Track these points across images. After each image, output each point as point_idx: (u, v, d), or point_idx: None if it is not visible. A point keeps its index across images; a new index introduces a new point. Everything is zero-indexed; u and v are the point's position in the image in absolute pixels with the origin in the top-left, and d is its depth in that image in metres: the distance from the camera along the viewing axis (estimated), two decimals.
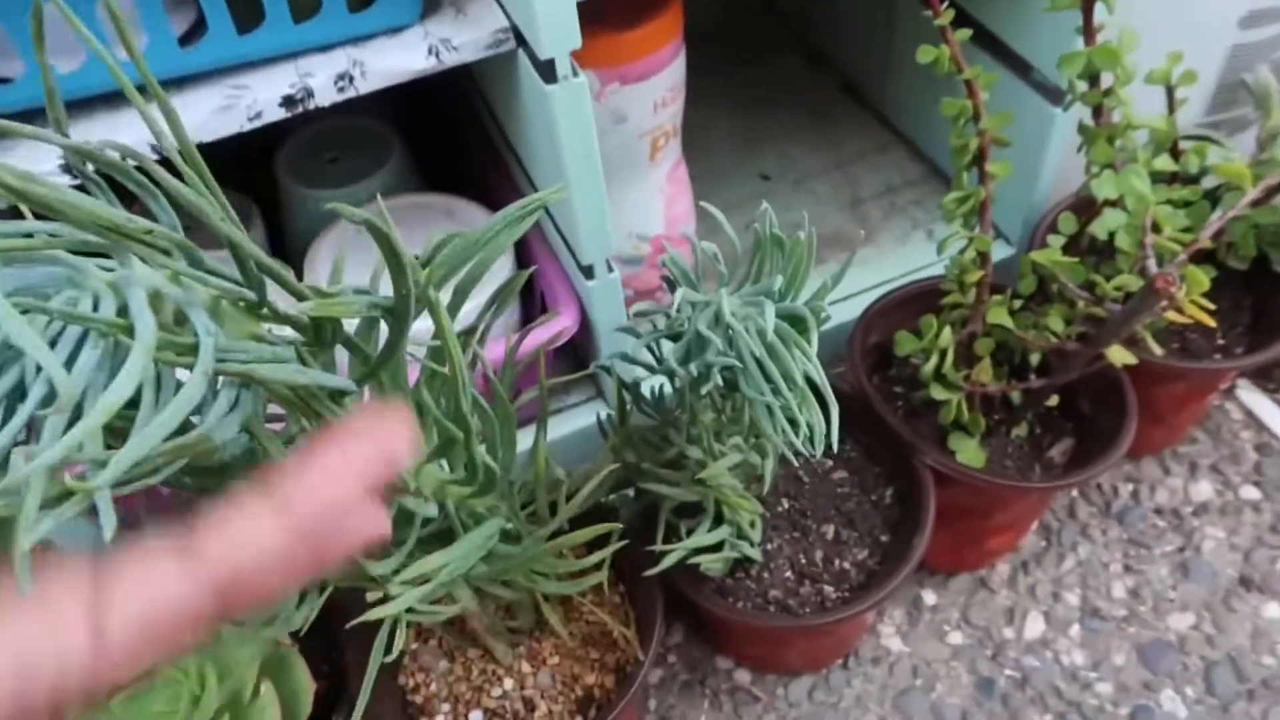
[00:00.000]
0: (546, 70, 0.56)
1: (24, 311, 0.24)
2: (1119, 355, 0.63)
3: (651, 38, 0.67)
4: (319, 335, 0.32)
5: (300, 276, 0.76)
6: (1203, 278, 0.52)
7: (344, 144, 0.86)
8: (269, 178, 0.86)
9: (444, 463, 0.48)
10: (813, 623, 0.62)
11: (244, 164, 0.79)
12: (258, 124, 0.58)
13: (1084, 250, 0.68)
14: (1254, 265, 0.74)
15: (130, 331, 0.23)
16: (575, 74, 0.57)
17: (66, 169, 0.52)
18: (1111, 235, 0.61)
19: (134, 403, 0.24)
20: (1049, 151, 0.80)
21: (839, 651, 0.76)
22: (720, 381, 0.40)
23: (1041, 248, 0.63)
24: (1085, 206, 0.71)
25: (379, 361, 0.34)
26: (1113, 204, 0.59)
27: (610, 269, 0.70)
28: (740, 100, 1.11)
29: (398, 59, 0.58)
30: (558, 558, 0.57)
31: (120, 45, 0.27)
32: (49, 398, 0.23)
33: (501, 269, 0.74)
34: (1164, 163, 0.63)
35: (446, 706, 0.64)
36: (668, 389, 0.53)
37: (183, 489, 0.36)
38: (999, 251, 0.88)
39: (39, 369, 0.23)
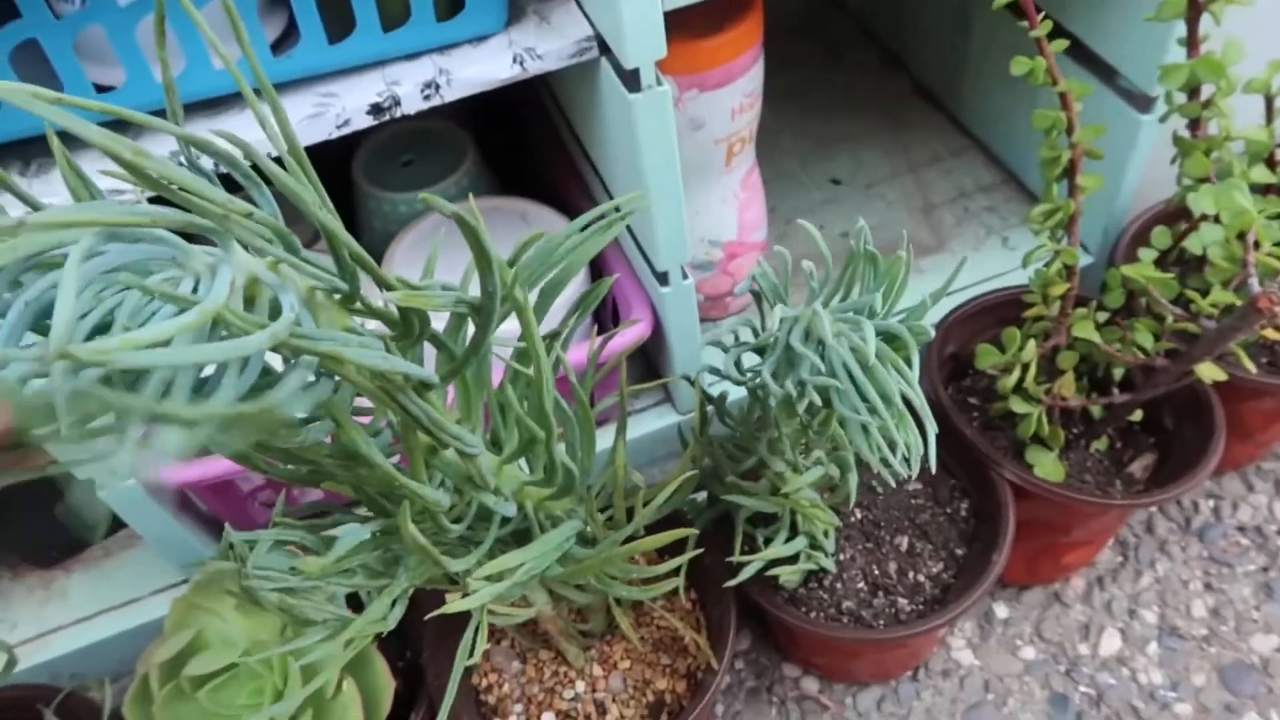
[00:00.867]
0: (630, 79, 0.57)
1: (125, 288, 0.24)
2: (1210, 372, 0.62)
3: (731, 44, 0.67)
4: (406, 329, 0.32)
5: None
6: None
7: (419, 147, 0.88)
8: (344, 180, 0.87)
9: (524, 464, 0.49)
10: (887, 636, 0.61)
11: (318, 165, 0.80)
12: (345, 131, 0.59)
13: (1171, 262, 0.66)
14: None
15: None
16: (659, 83, 0.57)
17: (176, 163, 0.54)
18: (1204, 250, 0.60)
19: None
20: (1133, 160, 0.78)
21: (909, 664, 0.75)
22: (817, 400, 0.40)
23: (1129, 261, 0.62)
24: (1173, 217, 0.69)
25: (465, 357, 0.35)
26: (1208, 218, 0.58)
27: (685, 275, 0.70)
28: (811, 102, 1.10)
29: (483, 67, 0.59)
30: (631, 563, 0.57)
31: (215, 54, 0.27)
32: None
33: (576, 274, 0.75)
34: (1261, 174, 0.61)
35: (519, 707, 0.65)
36: (748, 399, 0.53)
37: (291, 480, 0.36)
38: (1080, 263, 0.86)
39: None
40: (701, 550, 0.56)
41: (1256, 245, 0.51)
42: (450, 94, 0.59)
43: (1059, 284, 0.61)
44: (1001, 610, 0.78)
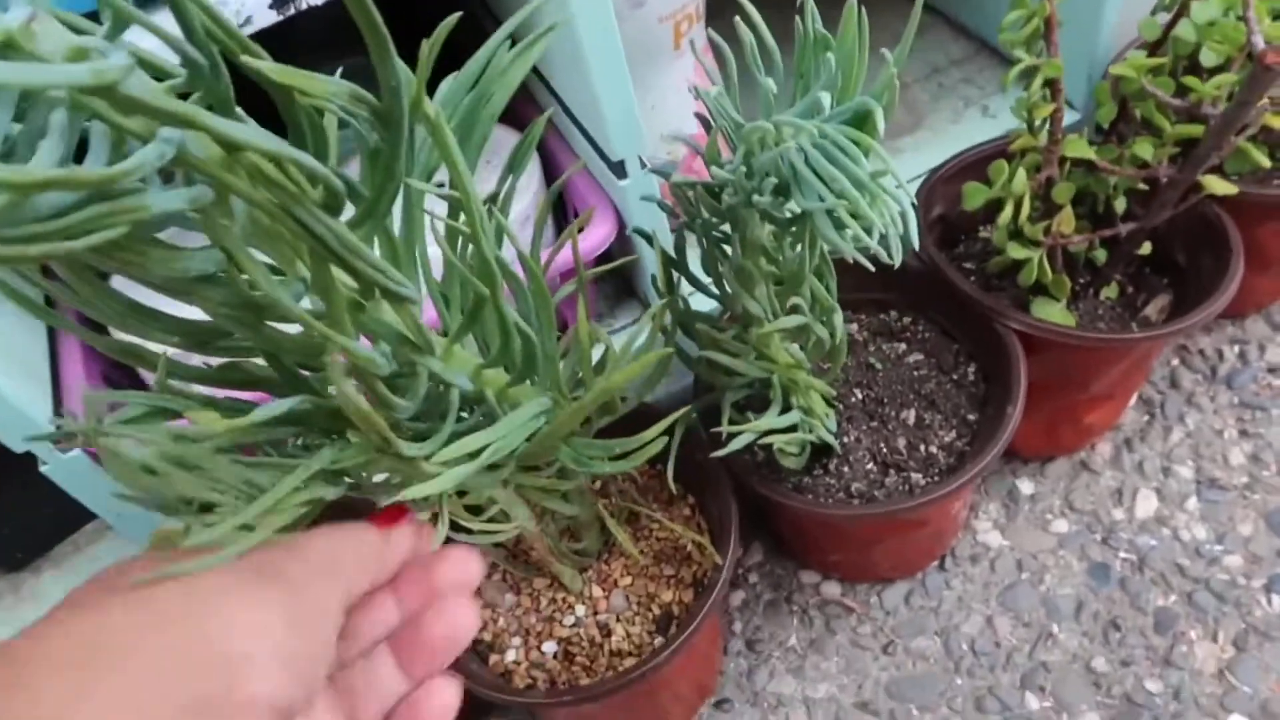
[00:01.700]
0: None
1: None
2: (1219, 185, 0.56)
3: None
4: (296, 133, 0.27)
5: None
6: None
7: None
8: None
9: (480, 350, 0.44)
10: (900, 507, 0.56)
11: None
12: (250, 29, 0.54)
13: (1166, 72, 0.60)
14: None
15: None
16: None
17: None
18: (1196, 48, 0.54)
19: None
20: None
21: (933, 551, 0.70)
22: (772, 197, 0.35)
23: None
24: (1155, 47, 0.64)
25: (378, 191, 0.29)
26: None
27: (643, 164, 0.65)
28: None
29: None
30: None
31: None
32: None
33: (529, 186, 0.70)
34: None
35: (517, 641, 0.60)
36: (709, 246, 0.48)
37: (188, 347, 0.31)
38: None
39: None
40: (689, 410, 0.50)
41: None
42: None
43: (1043, 106, 0.56)
44: (1026, 486, 0.73)
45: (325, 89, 0.24)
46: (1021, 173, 0.56)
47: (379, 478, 0.38)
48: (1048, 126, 0.57)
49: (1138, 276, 0.68)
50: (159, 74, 0.23)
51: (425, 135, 0.35)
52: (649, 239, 0.49)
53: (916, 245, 0.32)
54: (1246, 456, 0.71)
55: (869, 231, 0.32)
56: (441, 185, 0.36)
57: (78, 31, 0.21)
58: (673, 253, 0.50)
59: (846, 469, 0.62)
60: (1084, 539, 0.69)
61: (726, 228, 0.45)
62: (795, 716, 0.65)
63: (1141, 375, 0.73)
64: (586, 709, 0.59)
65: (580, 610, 0.60)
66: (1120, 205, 0.62)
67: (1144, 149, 0.55)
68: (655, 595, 0.60)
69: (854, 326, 0.69)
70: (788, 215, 0.36)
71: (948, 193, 0.70)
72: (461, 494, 0.52)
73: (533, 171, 0.71)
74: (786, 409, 0.54)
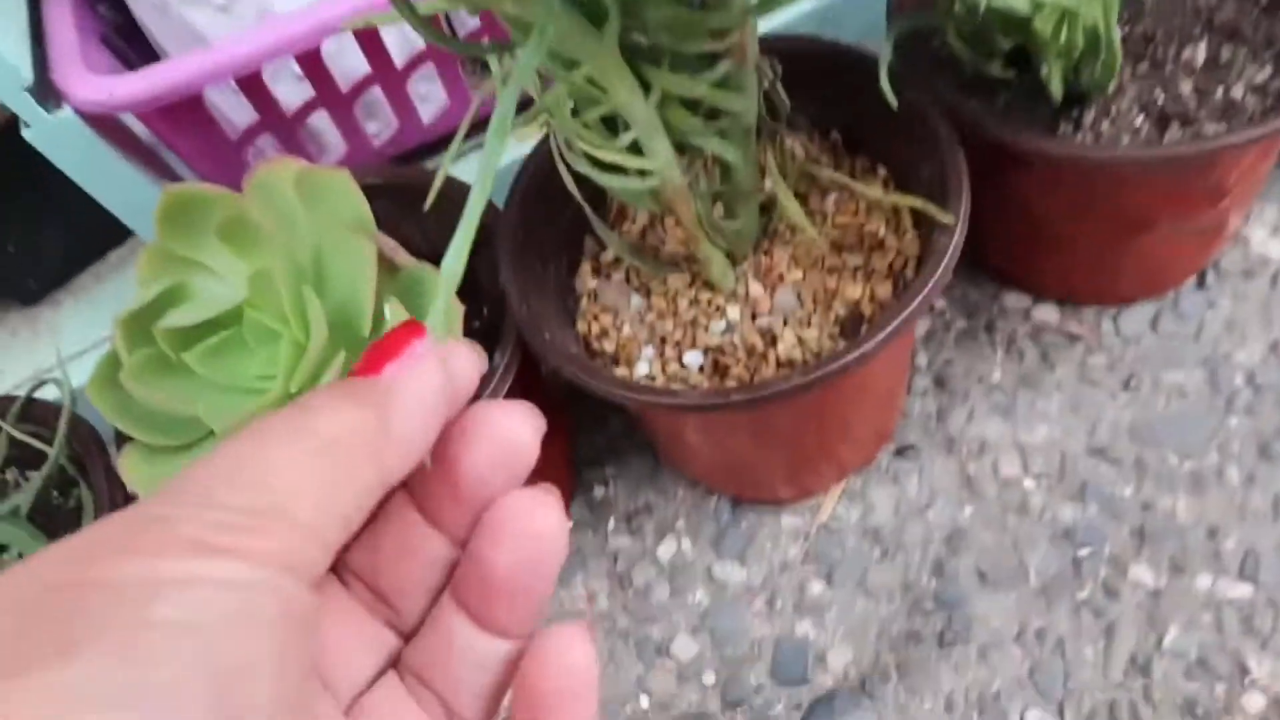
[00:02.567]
0: None
1: None
2: None
3: None
4: None
5: None
6: None
7: None
8: None
9: None
10: (1228, 143, 0.38)
11: None
12: None
13: None
14: None
15: None
16: None
17: None
18: None
19: None
20: None
21: (1191, 263, 0.52)
22: None
23: None
24: None
25: None
26: None
27: None
28: None
29: None
30: None
31: None
32: None
33: None
34: None
35: (650, 350, 0.45)
36: None
37: None
38: None
39: None
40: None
41: None
42: None
43: None
44: None
45: None
46: None
47: None
48: None
49: None
50: None
51: None
52: None
53: None
54: None
55: None
56: None
57: None
58: None
59: (1107, 123, 0.44)
60: None
61: None
62: (1006, 463, 0.50)
63: None
64: (735, 433, 0.44)
65: (733, 313, 0.44)
66: None
67: None
68: (838, 291, 0.44)
69: None
70: None
71: None
72: (576, 111, 0.36)
73: None
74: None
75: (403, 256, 0.43)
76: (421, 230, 0.50)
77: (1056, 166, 0.42)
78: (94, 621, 0.12)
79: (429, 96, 0.57)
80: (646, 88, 0.34)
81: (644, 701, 0.47)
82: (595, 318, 0.47)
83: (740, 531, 0.51)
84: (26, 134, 0.47)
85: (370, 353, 0.17)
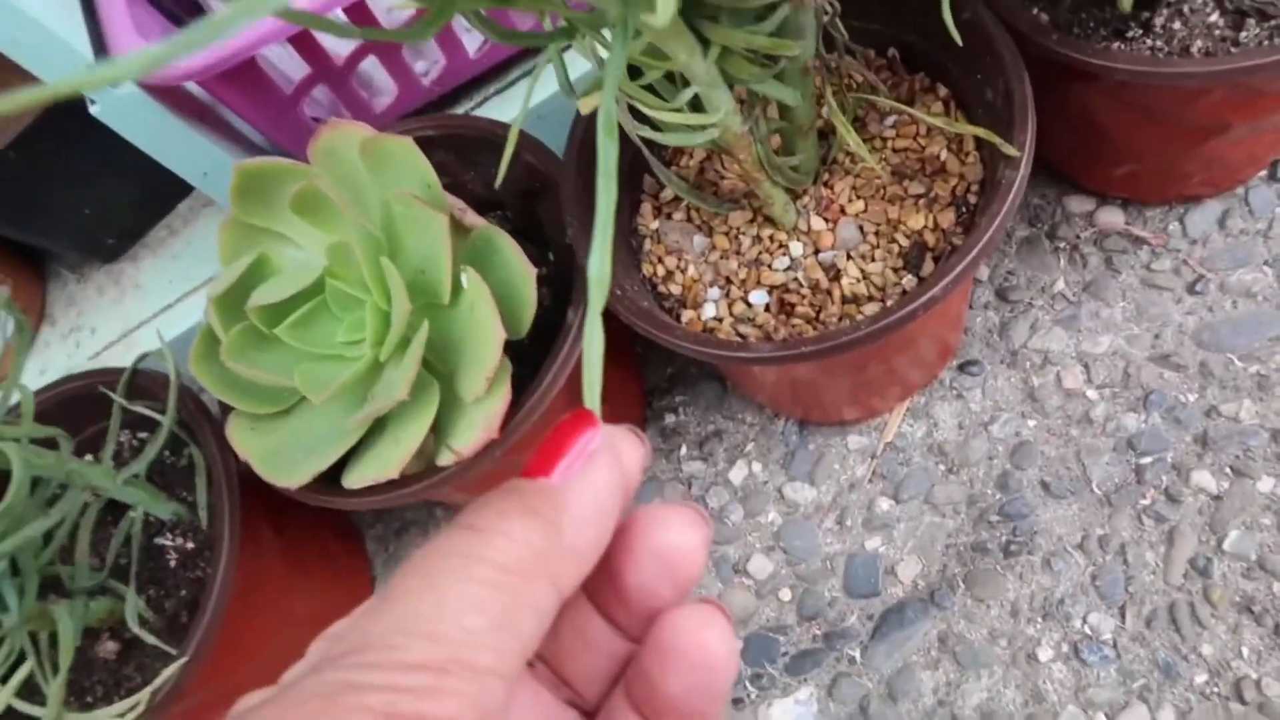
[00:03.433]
0: None
1: None
2: None
3: None
4: None
5: None
6: None
7: None
8: None
9: None
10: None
11: None
12: None
13: None
14: None
15: None
16: None
17: None
18: None
19: None
20: None
21: (1263, 158, 0.51)
22: None
23: None
24: None
25: None
26: None
27: None
28: None
29: None
30: None
31: None
32: None
33: None
34: None
35: (715, 292, 0.46)
36: None
37: None
38: None
39: None
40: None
41: None
42: None
43: None
44: None
45: None
46: None
47: None
48: None
49: None
50: None
51: None
52: None
53: None
54: None
55: None
56: None
57: None
58: None
59: (1179, 24, 0.43)
60: None
61: None
62: (1070, 375, 0.50)
63: None
64: (801, 365, 0.46)
65: (796, 249, 0.45)
66: None
67: None
68: (900, 221, 0.44)
69: None
70: None
71: None
72: (636, 74, 0.36)
73: None
74: None
75: (471, 217, 0.44)
76: (478, 174, 0.51)
77: (1122, 81, 0.41)
78: None
79: (475, 29, 0.57)
80: (705, 44, 0.34)
81: None
82: (660, 260, 0.48)
83: (808, 453, 0.53)
84: (94, 111, 0.48)
85: (543, 448, 0.17)
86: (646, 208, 0.49)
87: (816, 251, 0.45)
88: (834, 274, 0.44)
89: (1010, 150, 0.38)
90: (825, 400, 0.51)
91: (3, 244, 0.64)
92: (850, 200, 0.45)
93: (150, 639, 0.42)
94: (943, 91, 0.46)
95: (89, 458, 0.51)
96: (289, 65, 0.54)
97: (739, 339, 0.44)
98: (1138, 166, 0.50)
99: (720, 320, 0.45)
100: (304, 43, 0.50)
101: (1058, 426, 0.50)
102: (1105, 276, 0.52)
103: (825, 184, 0.46)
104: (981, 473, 0.50)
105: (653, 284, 0.47)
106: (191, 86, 0.53)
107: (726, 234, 0.47)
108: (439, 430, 0.43)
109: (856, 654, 0.48)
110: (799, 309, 0.44)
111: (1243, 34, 0.42)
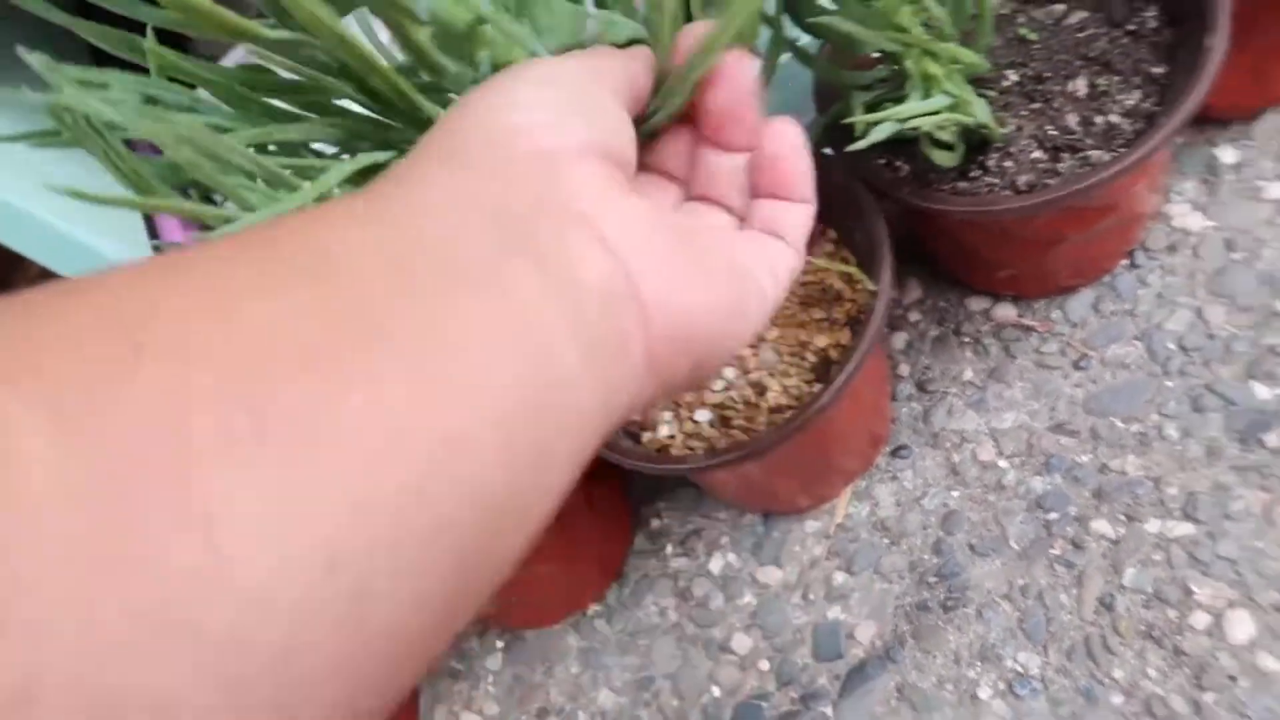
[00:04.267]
0: None
1: None
2: None
3: None
4: None
5: None
6: None
7: None
8: None
9: None
10: (1088, 183, 0.47)
11: None
12: None
13: None
14: None
15: None
16: None
17: None
18: None
19: None
20: None
21: (1120, 248, 0.61)
22: None
23: None
24: None
25: None
26: None
27: None
28: None
29: None
30: None
31: None
32: None
33: None
34: None
35: (668, 415, 0.56)
36: None
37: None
38: None
39: None
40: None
41: None
42: None
43: None
44: (1228, 155, 0.61)
45: None
46: None
47: None
48: None
49: None
50: None
51: None
52: None
53: None
54: None
55: None
56: None
57: None
58: None
59: (1009, 162, 0.53)
60: None
61: None
62: (983, 451, 0.59)
63: None
64: (750, 469, 0.55)
65: (730, 373, 0.55)
66: None
67: None
68: (808, 342, 0.54)
69: None
70: None
71: None
72: None
73: None
74: (928, 97, 0.45)
75: None
76: None
77: (961, 217, 0.51)
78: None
79: None
80: None
81: (715, 691, 0.59)
82: None
83: (773, 540, 0.62)
84: None
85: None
86: None
87: (746, 373, 0.55)
88: (760, 390, 0.54)
89: (870, 285, 0.48)
90: (779, 493, 0.60)
91: None
92: (767, 329, 0.55)
93: None
94: (831, 234, 0.56)
95: None
96: None
97: (689, 452, 0.54)
98: (1014, 271, 0.60)
99: (674, 438, 0.55)
100: None
101: (978, 494, 0.58)
102: (1005, 362, 0.61)
103: None
104: (919, 541, 0.58)
105: None
106: None
107: None
108: None
109: (829, 711, 0.55)
110: (735, 422, 0.54)
111: (1060, 164, 0.52)
